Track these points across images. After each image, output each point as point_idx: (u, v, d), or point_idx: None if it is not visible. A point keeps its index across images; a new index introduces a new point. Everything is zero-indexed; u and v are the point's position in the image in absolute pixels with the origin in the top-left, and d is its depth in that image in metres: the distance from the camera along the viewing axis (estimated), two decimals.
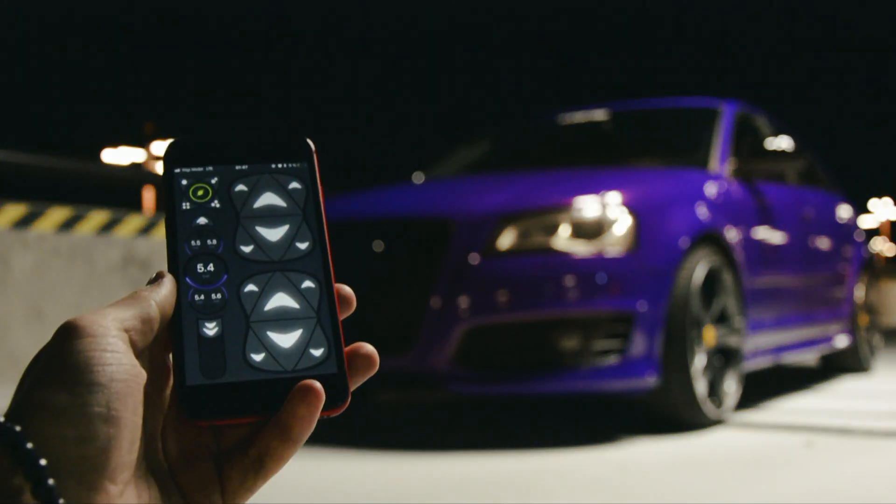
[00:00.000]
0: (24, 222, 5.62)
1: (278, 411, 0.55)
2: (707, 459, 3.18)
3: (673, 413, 3.71)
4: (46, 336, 5.53)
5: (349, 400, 0.57)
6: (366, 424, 4.09)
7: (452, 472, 3.00)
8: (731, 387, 4.01)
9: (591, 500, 2.58)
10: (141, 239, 6.26)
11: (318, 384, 0.55)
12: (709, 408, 3.78)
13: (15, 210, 5.60)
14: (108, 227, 6.10)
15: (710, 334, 3.92)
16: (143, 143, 29.58)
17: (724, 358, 4.05)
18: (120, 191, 7.36)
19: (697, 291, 3.80)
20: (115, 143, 31.33)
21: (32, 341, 5.49)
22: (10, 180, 6.58)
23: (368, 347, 0.59)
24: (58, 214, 5.81)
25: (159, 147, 29.57)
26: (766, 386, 5.37)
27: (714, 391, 3.90)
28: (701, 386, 3.74)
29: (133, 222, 6.26)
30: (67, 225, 5.85)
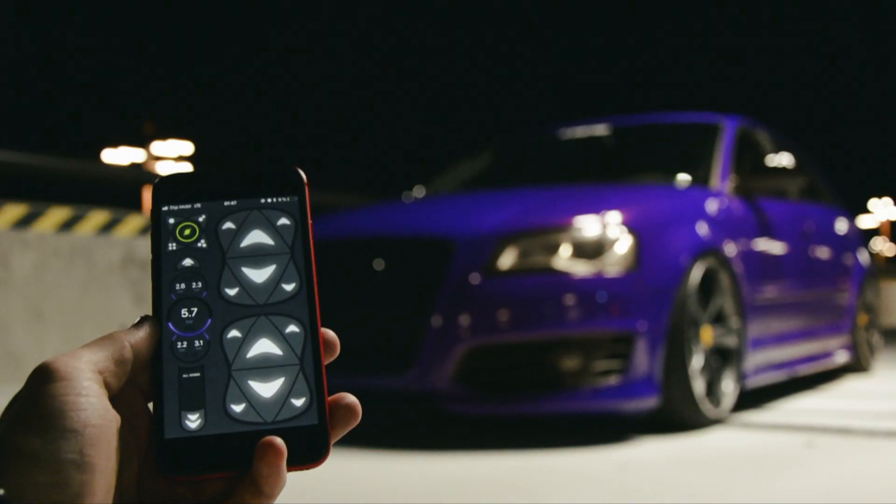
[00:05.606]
0: (24, 222, 5.62)
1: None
2: (707, 459, 3.18)
3: (672, 413, 3.72)
4: (46, 336, 5.54)
5: (329, 453, 0.56)
6: (365, 424, 4.09)
7: (452, 472, 3.00)
8: (729, 387, 4.01)
9: (591, 500, 2.58)
10: (141, 239, 6.26)
11: (279, 441, 0.54)
12: (707, 407, 3.78)
13: (15, 210, 5.61)
14: (108, 227, 6.10)
15: (708, 334, 3.92)
16: (143, 143, 29.56)
17: (722, 358, 4.06)
18: (120, 191, 7.36)
19: (695, 291, 3.80)
20: (115, 143, 31.33)
21: (32, 341, 5.49)
22: (10, 180, 6.58)
23: (351, 398, 0.57)
24: (58, 214, 5.81)
25: (159, 147, 29.57)
26: (766, 386, 5.37)
27: (712, 391, 3.91)
28: (699, 386, 3.75)
29: (133, 222, 6.26)
30: (67, 225, 5.86)
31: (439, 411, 3.61)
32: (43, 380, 0.51)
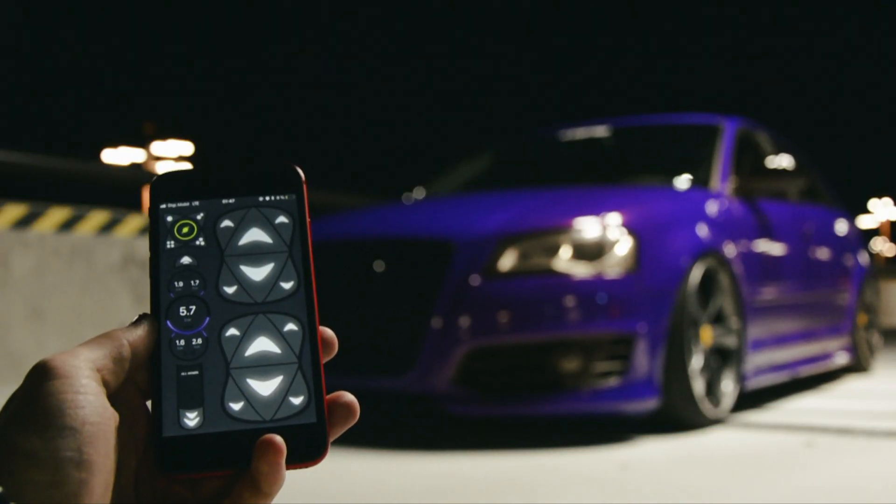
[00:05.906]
0: (24, 222, 5.62)
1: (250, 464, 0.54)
2: (707, 459, 3.18)
3: (672, 413, 3.72)
4: (46, 336, 5.54)
5: (328, 451, 0.56)
6: (365, 425, 4.09)
7: (452, 472, 3.00)
8: (729, 387, 4.02)
9: (591, 500, 2.58)
10: (141, 239, 6.26)
11: (278, 438, 0.54)
12: (707, 407, 3.79)
13: (15, 210, 5.61)
14: (108, 227, 6.10)
15: (708, 335, 3.92)
16: (143, 143, 29.57)
17: (722, 358, 4.06)
18: (120, 191, 7.36)
19: (695, 292, 3.80)
20: (115, 143, 31.32)
21: (32, 341, 5.50)
22: (10, 180, 6.58)
23: (349, 396, 0.57)
24: (58, 214, 5.81)
25: (159, 147, 29.58)
26: (766, 387, 5.37)
27: (712, 391, 3.91)
28: (699, 386, 3.75)
29: (133, 222, 6.26)
30: (67, 225, 5.86)
31: (439, 412, 3.61)
32: (41, 377, 0.51)
